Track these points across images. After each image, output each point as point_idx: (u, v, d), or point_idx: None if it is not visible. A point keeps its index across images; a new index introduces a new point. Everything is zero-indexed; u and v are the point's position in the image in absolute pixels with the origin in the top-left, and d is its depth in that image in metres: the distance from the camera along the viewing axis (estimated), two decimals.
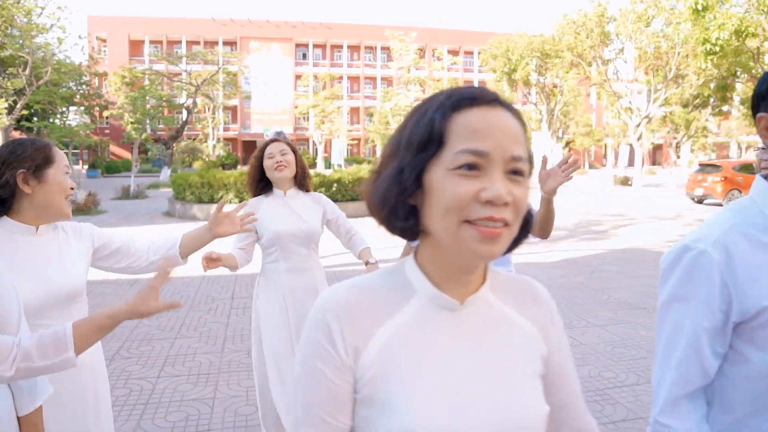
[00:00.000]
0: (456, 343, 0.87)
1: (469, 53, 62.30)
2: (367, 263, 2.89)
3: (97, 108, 39.17)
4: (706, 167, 20.71)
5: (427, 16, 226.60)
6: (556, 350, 1.00)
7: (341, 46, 60.96)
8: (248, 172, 2.92)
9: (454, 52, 62.12)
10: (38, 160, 1.70)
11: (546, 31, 27.77)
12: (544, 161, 2.47)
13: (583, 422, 1.02)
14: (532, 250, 10.06)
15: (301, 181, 2.94)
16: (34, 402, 1.47)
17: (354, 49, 61.83)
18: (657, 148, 66.08)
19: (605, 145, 56.85)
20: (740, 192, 18.71)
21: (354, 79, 61.55)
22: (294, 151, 2.90)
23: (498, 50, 29.24)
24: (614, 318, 6.00)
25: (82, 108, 37.26)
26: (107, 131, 51.20)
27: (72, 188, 1.77)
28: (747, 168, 19.62)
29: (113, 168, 44.94)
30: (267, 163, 2.82)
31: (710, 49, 13.76)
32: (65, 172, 1.75)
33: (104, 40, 55.98)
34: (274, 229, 2.80)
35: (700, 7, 13.56)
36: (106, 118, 44.16)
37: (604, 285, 7.58)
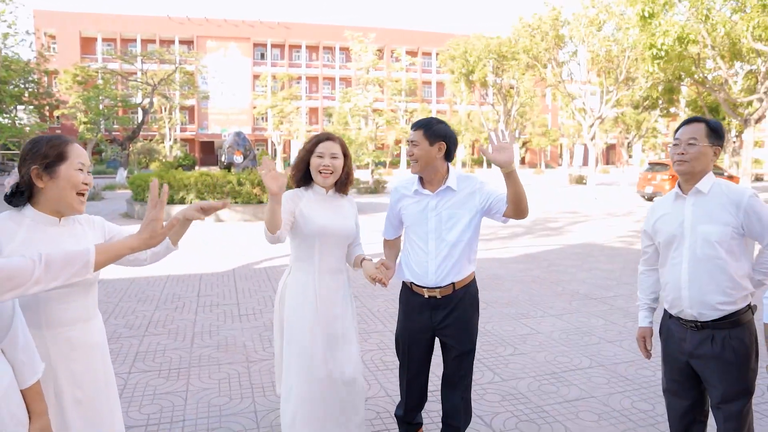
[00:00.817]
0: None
1: (428, 54, 62.92)
2: (363, 260, 2.82)
3: (47, 107, 37.91)
4: (655, 166, 21.60)
5: (385, 17, 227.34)
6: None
7: (300, 46, 60.72)
8: (295, 163, 2.81)
9: (412, 53, 62.61)
10: (51, 157, 1.83)
11: (504, 33, 28.39)
12: (483, 148, 2.56)
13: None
14: (492, 246, 10.38)
15: (341, 185, 2.83)
16: (36, 374, 1.62)
17: (313, 49, 61.67)
18: (611, 148, 67.98)
19: (561, 145, 58.24)
20: None
21: (313, 80, 61.40)
22: (345, 155, 2.78)
23: (456, 52, 29.71)
24: (569, 308, 6.31)
25: (32, 107, 36.04)
26: (58, 131, 49.66)
27: (86, 184, 1.90)
28: None
29: None
30: (314, 162, 2.71)
31: (656, 53, 14.41)
32: (78, 169, 1.87)
33: (53, 37, 54.19)
34: (321, 224, 2.69)
35: (646, 14, 14.20)
36: (57, 117, 42.85)
37: (560, 278, 7.92)
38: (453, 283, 2.73)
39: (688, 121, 2.48)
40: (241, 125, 55.01)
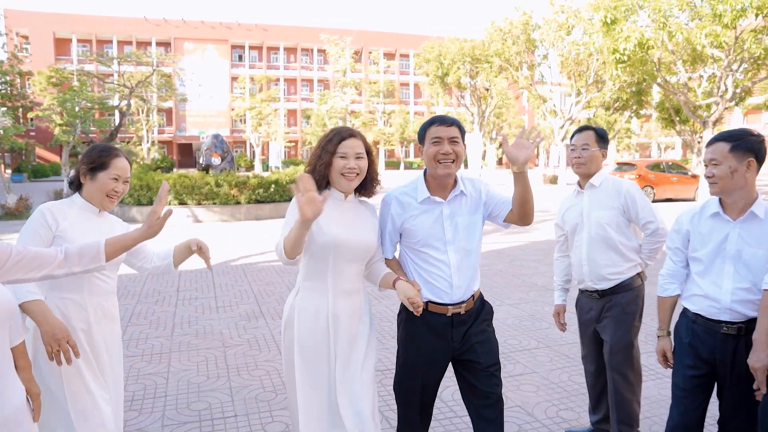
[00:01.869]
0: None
1: (405, 56, 63.48)
2: (396, 280, 2.39)
3: (21, 109, 37.55)
4: (623, 166, 22.33)
5: (363, 19, 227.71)
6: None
7: (278, 48, 60.86)
8: (311, 162, 2.38)
9: (390, 55, 63.14)
10: (96, 163, 2.38)
11: (478, 36, 29.01)
12: (505, 139, 2.30)
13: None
14: None
15: (365, 188, 2.46)
16: (21, 337, 1.92)
17: (290, 51, 61.84)
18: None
19: (537, 146, 59.19)
20: (653, 188, 20.32)
21: (291, 81, 61.56)
22: (369, 152, 2.40)
23: (430, 55, 30.29)
24: (525, 298, 6.81)
25: (4, 109, 35.68)
26: (33, 133, 49.09)
27: (116, 191, 2.41)
28: (657, 167, 21.33)
29: (41, 172, 43.14)
30: (337, 163, 2.31)
31: (619, 58, 15.10)
32: (113, 178, 2.39)
33: (26, 37, 53.56)
34: (334, 234, 2.28)
35: (609, 20, 14.89)
36: (31, 119, 42.47)
37: (521, 272, 8.43)
38: (473, 295, 2.50)
39: (580, 130, 3.04)
40: (219, 127, 54.98)
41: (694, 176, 21.07)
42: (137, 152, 46.25)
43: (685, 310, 2.52)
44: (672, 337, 2.60)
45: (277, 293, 6.96)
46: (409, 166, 60.73)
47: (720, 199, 2.39)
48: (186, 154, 56.88)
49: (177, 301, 6.56)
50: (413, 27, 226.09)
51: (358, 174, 2.34)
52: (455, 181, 2.47)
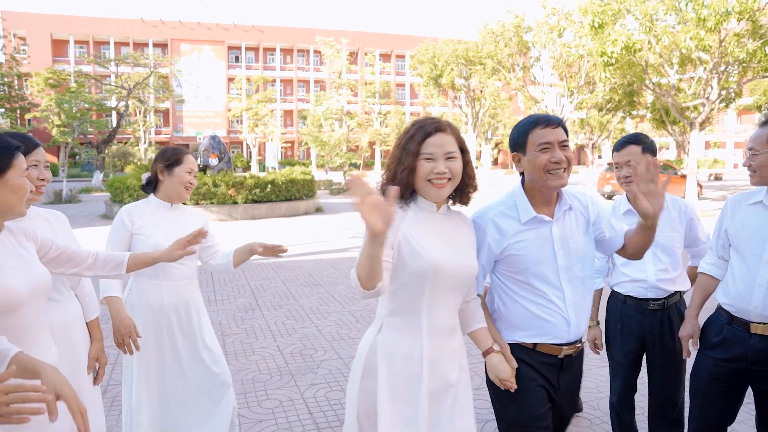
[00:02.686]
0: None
1: (401, 57, 63.86)
2: (490, 351, 2.00)
3: (19, 110, 37.84)
4: (613, 167, 22.76)
5: (360, 20, 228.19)
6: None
7: (274, 49, 61.19)
8: (389, 167, 1.92)
9: (386, 56, 63.56)
10: (171, 160, 2.77)
11: (473, 37, 29.42)
12: (636, 195, 1.88)
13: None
14: None
15: (460, 194, 1.96)
16: (96, 312, 2.45)
17: (287, 52, 62.19)
18: (580, 149, 69.68)
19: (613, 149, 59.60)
20: None
21: (287, 82, 61.93)
22: (463, 150, 1.89)
23: (424, 56, 30.71)
24: None
25: (2, 110, 35.95)
26: (30, 134, 49.20)
27: (190, 182, 2.79)
28: None
29: None
30: (424, 167, 1.83)
31: (607, 61, 15.52)
32: (188, 172, 2.77)
33: (23, 39, 53.77)
34: (432, 257, 1.81)
35: (597, 24, 15.31)
36: (29, 121, 42.71)
37: None
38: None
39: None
40: (216, 128, 55.30)
41: (683, 176, 21.51)
42: (134, 153, 46.52)
43: (615, 295, 2.92)
44: (602, 325, 3.01)
45: (272, 288, 7.33)
46: None
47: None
48: None
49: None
50: (409, 28, 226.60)
51: (450, 179, 1.84)
52: (558, 194, 2.06)
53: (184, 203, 2.93)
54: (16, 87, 37.79)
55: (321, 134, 29.74)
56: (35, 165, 2.16)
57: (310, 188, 17.82)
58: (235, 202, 15.53)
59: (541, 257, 2.00)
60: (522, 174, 2.09)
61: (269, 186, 16.11)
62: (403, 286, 1.85)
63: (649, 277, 2.77)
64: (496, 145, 60.48)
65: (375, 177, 44.78)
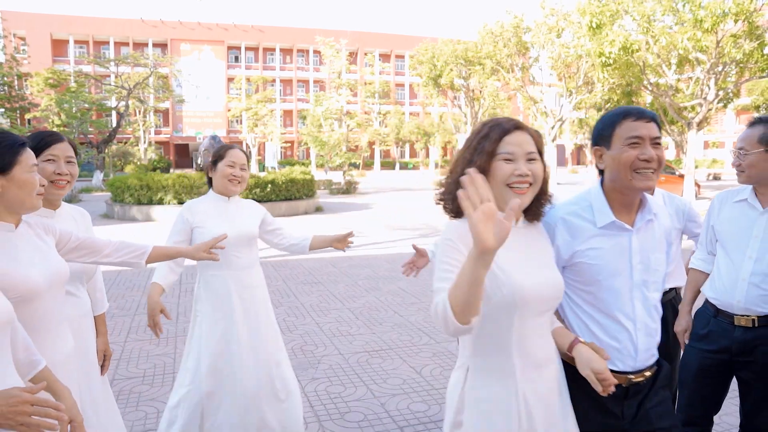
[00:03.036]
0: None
1: (401, 57, 63.96)
2: (575, 342, 1.69)
3: (20, 110, 37.92)
4: None
5: (360, 20, 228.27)
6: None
7: (274, 49, 61.27)
8: (454, 168, 1.69)
9: (385, 56, 63.65)
10: (216, 156, 2.95)
11: (473, 37, 29.54)
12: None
13: None
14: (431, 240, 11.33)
15: (534, 205, 1.69)
16: (104, 307, 2.55)
17: (286, 52, 62.27)
18: (580, 149, 69.89)
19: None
20: None
21: (287, 82, 62.01)
22: (540, 152, 1.66)
23: (424, 56, 30.81)
24: None
25: (2, 110, 36.02)
26: (29, 134, 49.30)
27: (234, 175, 2.90)
28: None
29: None
30: (502, 169, 1.58)
31: (605, 61, 15.63)
32: (229, 165, 2.90)
33: (23, 39, 53.82)
34: (517, 282, 1.56)
35: (595, 25, 15.42)
36: (29, 121, 42.78)
37: None
38: (657, 358, 1.88)
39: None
40: (215, 128, 55.40)
41: (681, 176, 21.61)
42: (134, 153, 46.62)
43: None
44: None
45: (273, 285, 7.42)
46: (404, 166, 61.19)
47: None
48: (182, 154, 57.23)
49: (180, 293, 7.02)
50: (409, 28, 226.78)
51: (531, 184, 1.60)
52: (642, 199, 1.84)
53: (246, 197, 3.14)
54: (16, 87, 37.86)
55: (321, 134, 29.83)
56: (52, 160, 2.16)
57: (309, 188, 17.91)
58: None
59: (616, 269, 1.77)
60: (602, 172, 1.84)
61: (269, 186, 16.19)
62: (488, 318, 1.54)
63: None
64: None
65: (374, 176, 44.88)
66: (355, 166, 43.63)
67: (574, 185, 33.04)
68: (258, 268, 3.08)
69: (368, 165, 56.52)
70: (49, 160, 2.16)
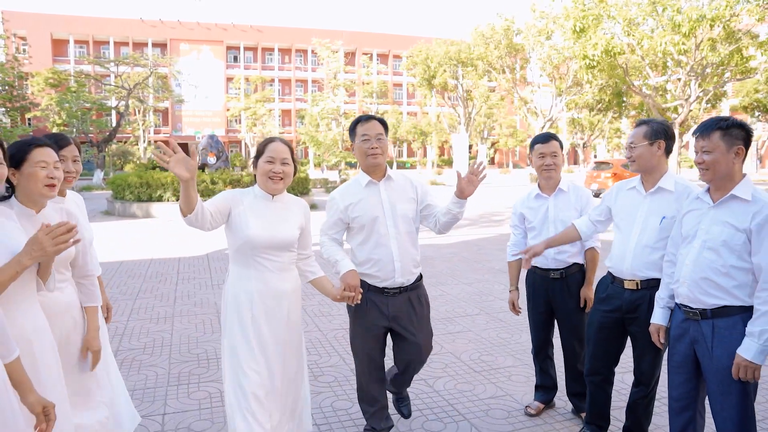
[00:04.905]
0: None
1: (398, 57, 64.46)
2: None
3: (20, 109, 38.41)
4: (599, 165, 23.39)
5: (358, 20, 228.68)
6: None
7: (272, 49, 61.77)
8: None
9: (383, 56, 64.17)
10: (257, 152, 2.73)
11: (468, 38, 30.06)
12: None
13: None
14: (432, 235, 11.88)
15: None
16: (96, 299, 2.73)
17: (285, 52, 62.77)
18: (575, 148, 70.31)
19: (529, 146, 60.30)
20: None
21: (285, 82, 62.51)
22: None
23: (418, 58, 31.37)
24: (480, 279, 7.84)
25: (3, 109, 36.50)
26: (31, 133, 49.83)
27: (274, 171, 2.64)
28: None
29: None
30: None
31: (589, 63, 16.20)
32: (268, 161, 2.64)
33: (24, 38, 54.28)
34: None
35: (578, 28, 15.99)
36: (29, 120, 43.29)
37: (484, 258, 9.46)
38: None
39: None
40: (214, 127, 55.86)
41: None
42: (134, 152, 47.14)
43: (532, 267, 3.61)
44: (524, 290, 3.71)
45: None
46: (402, 165, 61.72)
47: (540, 183, 3.61)
48: None
49: (178, 281, 7.59)
50: (407, 28, 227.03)
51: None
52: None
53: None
54: (17, 87, 38.33)
55: (318, 134, 30.39)
56: (61, 160, 2.49)
57: (304, 186, 18.45)
58: None
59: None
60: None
61: None
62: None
63: (549, 251, 3.45)
64: (492, 144, 61.10)
65: None
66: (353, 165, 44.16)
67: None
68: (291, 273, 2.79)
69: None
70: (62, 159, 2.56)
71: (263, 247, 2.65)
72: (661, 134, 2.97)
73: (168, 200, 15.71)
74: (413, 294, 3.10)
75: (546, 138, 3.57)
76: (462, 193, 2.80)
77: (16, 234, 2.02)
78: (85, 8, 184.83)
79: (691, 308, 2.53)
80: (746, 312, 2.38)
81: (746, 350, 2.31)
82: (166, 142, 2.32)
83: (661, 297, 2.79)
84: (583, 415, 3.52)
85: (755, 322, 2.30)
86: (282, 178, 2.69)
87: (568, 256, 3.50)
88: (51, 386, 2.03)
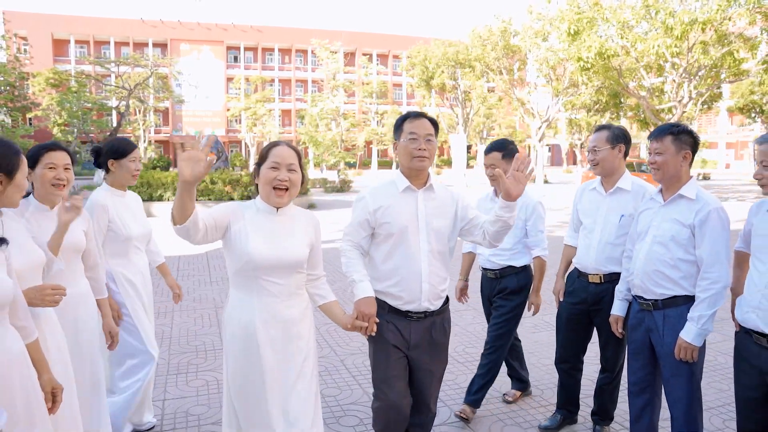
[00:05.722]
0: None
1: (398, 57, 64.64)
2: None
3: (22, 109, 38.62)
4: None
5: (358, 20, 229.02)
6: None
7: (272, 49, 61.95)
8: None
9: (383, 56, 64.40)
10: (259, 158, 2.36)
11: (464, 39, 30.31)
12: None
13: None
14: None
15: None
16: (104, 293, 2.97)
17: (285, 52, 62.95)
18: (574, 149, 70.50)
19: (528, 146, 60.60)
20: None
21: (285, 82, 62.70)
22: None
23: (416, 59, 31.63)
24: (470, 276, 8.07)
25: (5, 109, 36.72)
26: (32, 133, 50.03)
27: (279, 179, 2.27)
28: (630, 166, 22.71)
29: None
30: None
31: (583, 65, 16.46)
32: (272, 167, 2.28)
33: (24, 38, 54.49)
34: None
35: (573, 31, 16.25)
36: (30, 120, 43.52)
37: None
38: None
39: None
40: (214, 127, 56.09)
41: None
42: None
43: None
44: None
45: None
46: None
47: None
48: None
49: (178, 277, 7.83)
50: (406, 28, 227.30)
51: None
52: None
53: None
54: (18, 86, 38.54)
55: (317, 134, 30.65)
56: (52, 167, 2.57)
57: (302, 185, 18.71)
58: (231, 198, 16.39)
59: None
60: None
61: None
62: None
63: (485, 252, 3.70)
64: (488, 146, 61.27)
65: (371, 175, 45.63)
66: (352, 165, 44.39)
67: (568, 183, 33.86)
68: (300, 297, 2.41)
69: (366, 164, 57.28)
70: (50, 167, 2.56)
71: (267, 269, 2.27)
72: (621, 138, 3.22)
73: (168, 200, 15.96)
74: (438, 319, 2.67)
75: (491, 149, 3.58)
76: (509, 195, 2.37)
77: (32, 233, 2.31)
78: (86, 8, 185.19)
79: (645, 299, 2.78)
80: (692, 301, 2.63)
81: (686, 333, 2.56)
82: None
83: (620, 290, 3.04)
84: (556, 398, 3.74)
85: (695, 309, 2.56)
86: (287, 188, 2.31)
87: (501, 258, 3.67)
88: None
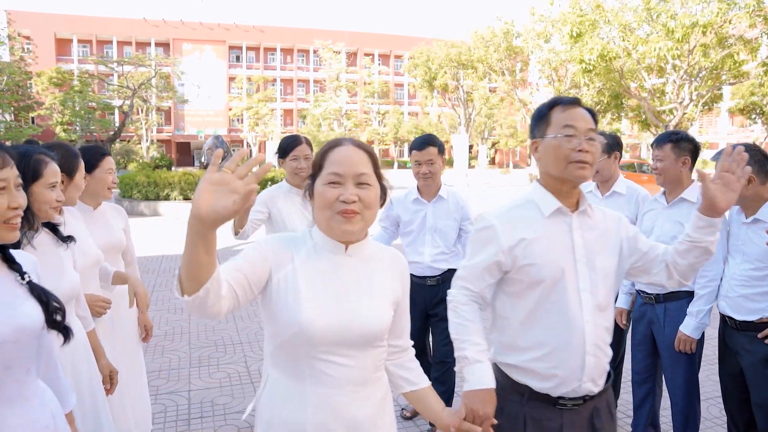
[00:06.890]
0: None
1: (400, 57, 64.78)
2: None
3: (25, 109, 38.84)
4: None
5: (360, 20, 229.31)
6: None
7: (274, 49, 62.10)
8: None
9: (385, 56, 64.56)
10: (314, 170, 1.63)
11: (466, 40, 30.50)
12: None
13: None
14: None
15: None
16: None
17: (287, 52, 63.10)
18: None
19: (528, 146, 60.64)
20: None
21: (287, 82, 62.84)
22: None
23: (419, 60, 31.83)
24: None
25: (11, 108, 36.94)
26: (38, 133, 50.28)
27: (344, 202, 1.51)
28: (630, 167, 22.89)
29: None
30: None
31: (585, 67, 16.65)
32: (332, 184, 1.49)
33: (28, 38, 54.62)
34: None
35: (575, 33, 16.45)
36: (32, 119, 43.72)
37: None
38: None
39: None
40: (217, 127, 56.20)
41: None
42: (137, 151, 47.57)
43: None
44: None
45: None
46: (403, 165, 62.12)
47: (419, 188, 3.40)
48: (184, 152, 58.13)
49: None
50: (408, 29, 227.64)
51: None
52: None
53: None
54: (22, 86, 38.74)
55: (321, 134, 30.87)
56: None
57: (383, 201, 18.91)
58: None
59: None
60: None
61: (269, 183, 17.18)
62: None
63: (425, 259, 3.37)
64: (493, 145, 61.52)
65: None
66: None
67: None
68: (377, 387, 1.55)
69: None
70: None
71: (329, 345, 1.43)
72: (615, 146, 3.44)
73: (175, 199, 16.15)
74: (601, 404, 1.80)
75: (421, 144, 3.29)
76: (713, 207, 1.62)
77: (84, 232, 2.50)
78: (89, 8, 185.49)
79: (648, 293, 2.98)
80: (691, 296, 2.84)
81: (685, 326, 2.77)
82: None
83: (624, 284, 3.25)
84: None
85: (694, 304, 2.77)
86: (359, 212, 1.45)
87: (440, 263, 3.38)
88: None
